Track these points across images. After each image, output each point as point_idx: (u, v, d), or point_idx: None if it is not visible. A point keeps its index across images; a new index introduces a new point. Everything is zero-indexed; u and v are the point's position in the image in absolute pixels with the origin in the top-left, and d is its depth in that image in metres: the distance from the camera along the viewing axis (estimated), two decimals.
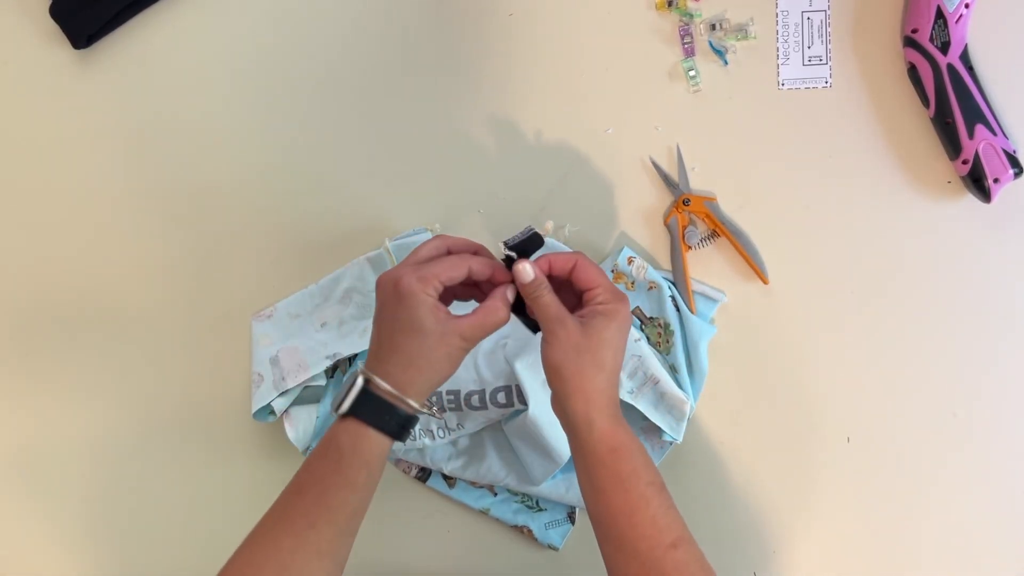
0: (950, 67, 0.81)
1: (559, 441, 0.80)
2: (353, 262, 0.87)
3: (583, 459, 0.66)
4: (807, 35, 0.85)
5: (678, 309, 0.85)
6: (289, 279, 0.88)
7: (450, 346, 0.66)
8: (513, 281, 0.69)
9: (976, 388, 0.86)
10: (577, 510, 0.87)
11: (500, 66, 0.87)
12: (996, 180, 0.82)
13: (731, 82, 0.86)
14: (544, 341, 0.67)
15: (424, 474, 0.88)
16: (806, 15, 0.85)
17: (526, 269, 0.68)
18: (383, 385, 0.65)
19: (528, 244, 0.70)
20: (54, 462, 0.89)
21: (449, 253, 0.70)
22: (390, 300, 0.67)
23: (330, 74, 0.88)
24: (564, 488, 0.85)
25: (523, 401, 0.81)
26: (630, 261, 0.85)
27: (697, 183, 0.86)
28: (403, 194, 0.88)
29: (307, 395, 0.84)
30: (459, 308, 0.70)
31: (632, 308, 0.86)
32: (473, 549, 0.88)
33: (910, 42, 0.82)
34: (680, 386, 0.84)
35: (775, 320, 0.86)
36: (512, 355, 0.82)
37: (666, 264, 0.87)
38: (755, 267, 0.85)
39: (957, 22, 0.81)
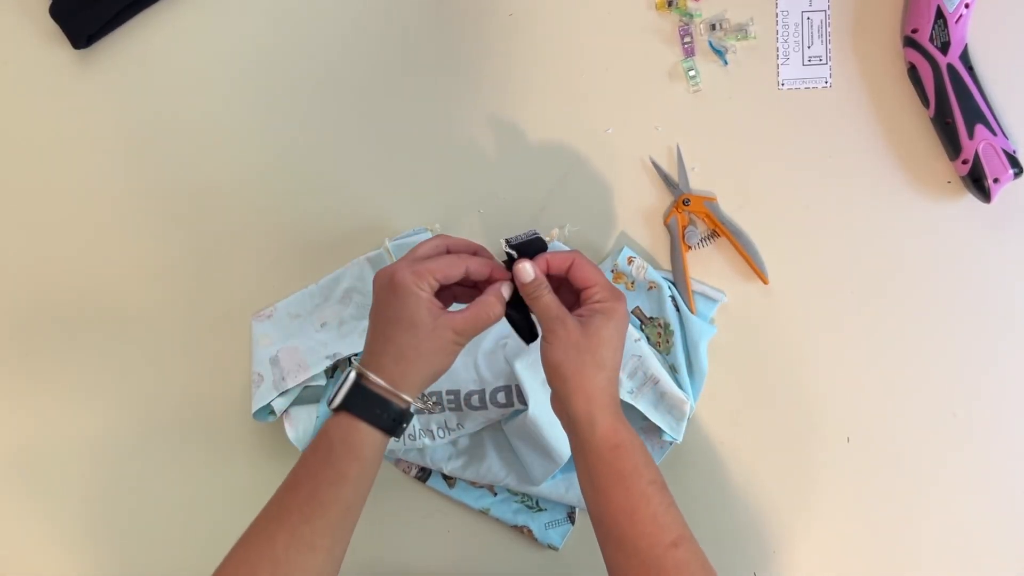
0: (950, 67, 0.81)
1: (559, 441, 0.80)
2: (353, 262, 0.87)
3: (584, 457, 0.66)
4: (807, 35, 0.85)
5: (678, 309, 0.85)
6: (289, 279, 0.88)
7: (442, 340, 0.66)
8: (512, 280, 0.69)
9: (976, 388, 0.86)
10: (577, 510, 0.87)
11: (500, 66, 0.87)
12: (996, 180, 0.82)
13: (731, 82, 0.86)
14: (544, 340, 0.68)
15: (424, 474, 0.88)
16: (806, 15, 0.85)
17: (526, 268, 0.68)
18: (375, 379, 0.66)
19: (530, 246, 0.70)
20: (54, 462, 0.89)
21: (448, 253, 0.70)
22: (384, 294, 0.67)
23: (330, 74, 0.88)
24: (564, 488, 0.85)
25: (523, 401, 0.81)
26: (630, 261, 0.85)
27: (697, 183, 0.86)
28: (403, 194, 0.88)
29: (307, 395, 0.84)
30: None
31: (632, 308, 0.86)
32: (473, 549, 0.88)
33: (910, 42, 0.82)
34: (680, 386, 0.84)
35: (775, 320, 0.86)
36: (512, 355, 0.82)
37: (666, 264, 0.87)
38: (755, 267, 0.85)
39: (957, 22, 0.81)
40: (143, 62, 0.88)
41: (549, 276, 0.69)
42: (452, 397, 0.83)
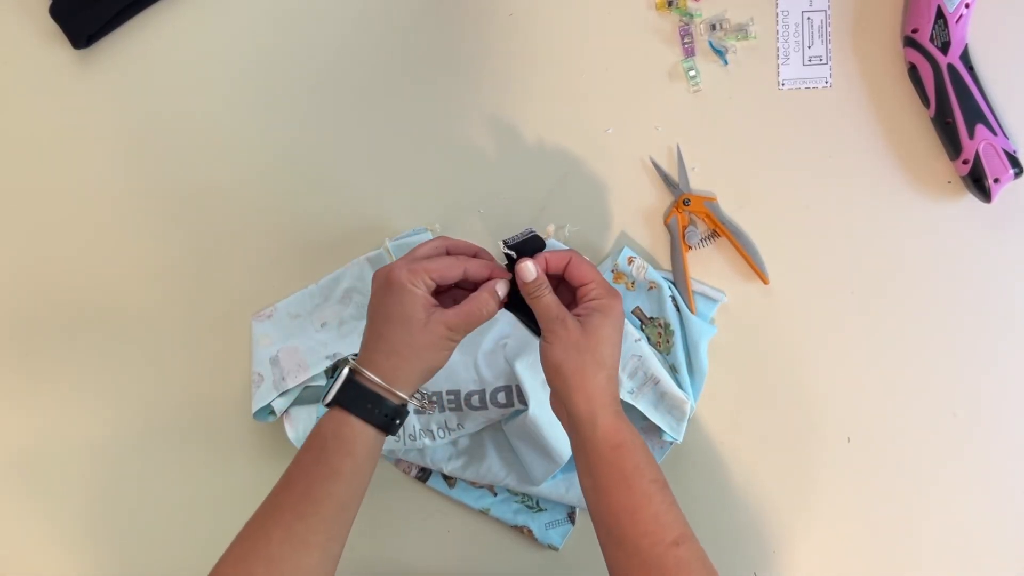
0: (950, 67, 0.81)
1: (559, 441, 0.80)
2: (353, 262, 0.87)
3: (586, 457, 0.66)
4: (807, 35, 0.85)
5: (678, 309, 0.85)
6: (289, 279, 0.88)
7: (435, 335, 0.66)
8: (512, 279, 0.69)
9: (976, 388, 0.86)
10: (577, 510, 0.87)
11: (500, 66, 0.87)
12: (996, 180, 0.82)
13: (731, 82, 0.86)
14: (544, 340, 0.68)
15: (424, 474, 0.88)
16: (806, 15, 0.85)
17: (528, 268, 0.68)
18: (367, 374, 0.66)
19: (528, 245, 0.70)
20: (54, 462, 0.89)
21: (448, 254, 0.70)
22: (380, 291, 0.68)
23: (330, 74, 0.88)
24: (564, 488, 0.85)
25: (523, 401, 0.81)
26: (630, 261, 0.85)
27: (697, 183, 0.86)
28: (403, 194, 0.88)
29: (307, 395, 0.84)
30: None
31: (632, 308, 0.86)
32: (473, 549, 0.88)
33: (910, 42, 0.82)
34: (680, 386, 0.84)
35: (775, 320, 0.86)
36: (512, 355, 0.82)
37: (666, 264, 0.87)
38: (755, 267, 0.85)
39: (957, 22, 0.81)
40: (143, 62, 0.88)
41: (547, 275, 0.69)
42: (452, 397, 0.83)
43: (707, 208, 0.85)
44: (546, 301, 0.68)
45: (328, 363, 0.82)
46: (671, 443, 0.84)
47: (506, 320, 0.84)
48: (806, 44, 0.85)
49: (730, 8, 0.85)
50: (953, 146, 0.83)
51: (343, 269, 0.87)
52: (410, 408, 0.69)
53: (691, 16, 0.85)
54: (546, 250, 0.71)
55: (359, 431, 0.66)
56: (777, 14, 0.86)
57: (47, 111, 0.88)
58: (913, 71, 0.83)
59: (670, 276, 0.86)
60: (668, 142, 0.86)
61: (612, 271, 0.86)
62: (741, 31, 0.85)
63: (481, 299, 0.68)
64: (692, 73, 0.86)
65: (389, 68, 0.87)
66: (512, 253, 0.70)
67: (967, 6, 0.81)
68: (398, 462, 0.88)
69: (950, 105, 0.82)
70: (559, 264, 0.70)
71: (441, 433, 0.84)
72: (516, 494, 0.87)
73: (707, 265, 0.86)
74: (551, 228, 0.83)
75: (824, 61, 0.85)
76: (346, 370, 0.67)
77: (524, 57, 0.87)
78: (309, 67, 0.88)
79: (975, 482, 0.86)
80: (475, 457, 0.86)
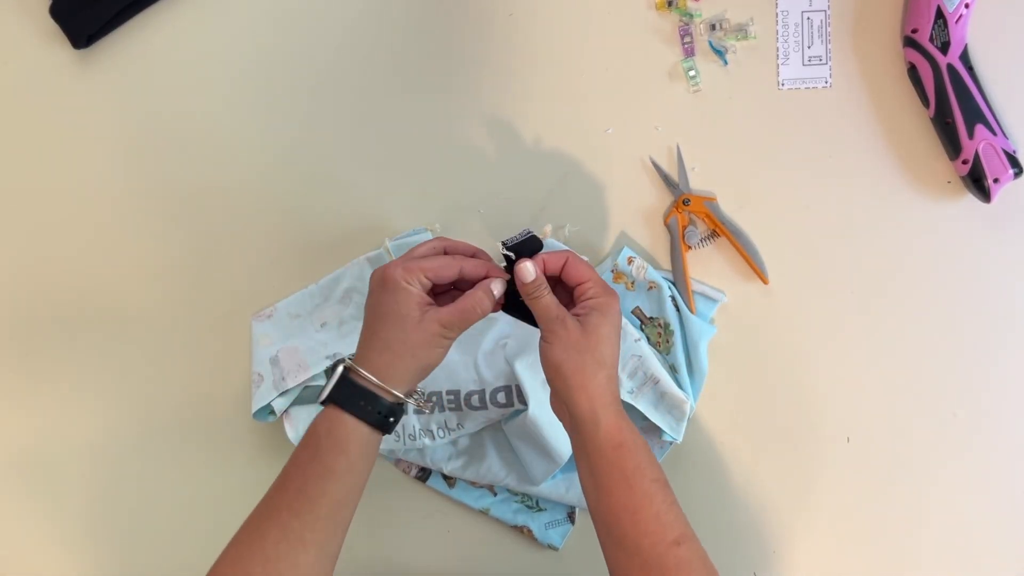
0: (950, 67, 0.81)
1: (559, 441, 0.80)
2: (353, 262, 0.87)
3: (587, 456, 0.66)
4: (807, 35, 0.85)
5: (678, 309, 0.85)
6: (289, 279, 0.88)
7: (427, 332, 0.66)
8: (505, 278, 0.69)
9: (976, 388, 0.86)
10: (577, 510, 0.87)
11: (500, 66, 0.87)
12: (996, 180, 0.82)
13: (731, 82, 0.86)
14: (543, 340, 0.68)
15: (424, 474, 0.88)
16: (806, 15, 0.85)
17: (527, 268, 0.68)
18: (361, 372, 0.66)
19: (526, 246, 0.70)
20: (54, 462, 0.89)
21: (446, 254, 0.71)
22: (376, 290, 0.68)
23: (330, 74, 0.88)
24: (564, 488, 0.85)
25: (523, 401, 0.81)
26: (630, 261, 0.85)
27: (697, 183, 0.86)
28: (403, 194, 0.88)
29: (307, 395, 0.84)
30: None
31: (632, 308, 0.86)
32: (473, 549, 0.88)
33: (910, 42, 0.82)
34: (680, 386, 0.84)
35: (775, 320, 0.86)
36: (512, 355, 0.82)
37: (666, 264, 0.87)
38: (755, 267, 0.85)
39: (957, 22, 0.81)
40: (143, 62, 0.88)
41: (545, 276, 0.70)
42: (452, 397, 0.83)
43: (707, 208, 0.85)
44: (545, 302, 0.68)
45: (328, 363, 0.82)
46: (671, 443, 0.84)
47: (506, 320, 0.84)
48: (806, 44, 0.85)
49: (730, 8, 0.85)
50: (953, 146, 0.83)
51: (343, 269, 0.87)
52: (409, 408, 0.69)
53: (691, 16, 0.85)
54: (544, 251, 0.71)
55: (352, 428, 0.66)
56: (777, 14, 0.86)
57: (47, 111, 0.88)
58: (913, 71, 0.83)
59: (670, 276, 0.86)
60: (668, 142, 0.86)
61: (612, 271, 0.86)
62: (741, 31, 0.85)
63: (476, 297, 0.68)
64: (692, 73, 0.86)
65: (389, 68, 0.87)
66: (511, 254, 0.70)
67: (967, 6, 0.81)
68: (398, 462, 0.88)
69: (950, 105, 0.82)
70: (556, 264, 0.70)
71: (441, 433, 0.84)
72: (516, 494, 0.87)
73: (707, 265, 0.86)
74: (548, 228, 0.83)
75: (824, 61, 0.85)
76: (340, 368, 0.67)
77: (524, 57, 0.87)
78: (309, 67, 0.88)
79: (975, 482, 0.86)
80: (475, 457, 0.86)
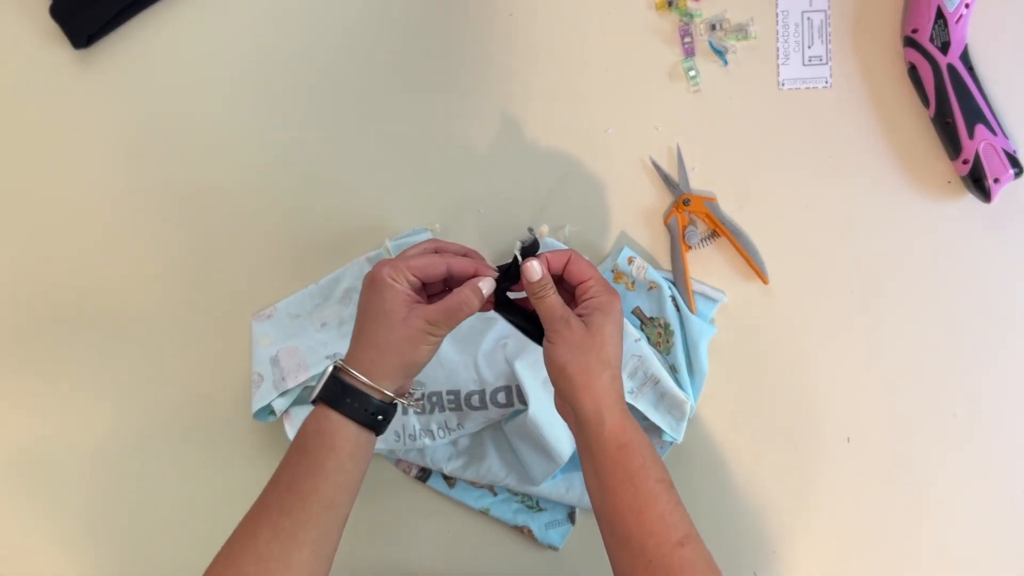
0: (950, 67, 0.81)
1: (559, 441, 0.80)
2: (353, 262, 0.87)
3: (592, 456, 0.66)
4: (807, 35, 0.85)
5: (678, 309, 0.85)
6: (289, 279, 0.88)
7: (412, 329, 0.66)
8: (494, 277, 0.69)
9: (976, 388, 0.86)
10: (577, 510, 0.87)
11: (500, 66, 0.87)
12: (996, 180, 0.82)
13: (731, 82, 0.86)
14: (547, 340, 0.68)
15: (424, 474, 0.88)
16: (806, 15, 0.85)
17: (534, 267, 0.68)
18: (348, 370, 0.66)
19: (528, 248, 0.70)
20: (54, 462, 0.89)
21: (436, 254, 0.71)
22: (365, 290, 0.68)
23: (330, 74, 0.88)
24: (564, 488, 0.85)
25: (523, 401, 0.81)
26: (630, 261, 0.85)
27: (697, 183, 0.86)
28: (403, 194, 0.88)
29: (307, 395, 0.84)
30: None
31: (632, 308, 0.86)
32: (473, 549, 0.88)
33: (910, 42, 0.82)
34: (680, 386, 0.84)
35: (775, 320, 0.86)
36: (512, 355, 0.82)
37: (666, 264, 0.87)
38: (755, 267, 0.85)
39: (957, 22, 0.81)
40: (143, 62, 0.88)
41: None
42: (452, 397, 0.83)
43: (707, 208, 0.85)
44: (550, 301, 0.68)
45: (328, 363, 0.82)
46: (671, 443, 0.84)
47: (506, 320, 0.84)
48: (806, 44, 0.85)
49: (730, 8, 0.85)
50: (953, 146, 0.83)
51: (343, 269, 0.87)
52: (409, 409, 0.69)
53: (691, 16, 0.85)
54: (548, 251, 0.71)
55: (339, 425, 0.66)
56: (777, 14, 0.86)
57: (47, 111, 0.88)
58: (913, 71, 0.83)
59: (670, 276, 0.86)
60: (668, 142, 0.86)
61: (612, 271, 0.86)
62: (741, 31, 0.85)
63: (463, 295, 0.68)
64: (692, 73, 0.86)
65: (389, 68, 0.87)
66: (518, 255, 0.69)
67: (967, 6, 0.81)
68: (398, 462, 0.88)
69: (950, 105, 0.82)
70: (559, 263, 0.70)
71: (441, 433, 0.84)
72: (516, 494, 0.87)
73: (707, 265, 0.86)
74: (544, 228, 0.83)
75: (824, 61, 0.85)
76: (330, 367, 0.67)
77: (524, 57, 0.87)
78: (309, 67, 0.88)
79: (975, 482, 0.86)
80: (475, 457, 0.86)
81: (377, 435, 0.68)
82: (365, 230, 0.87)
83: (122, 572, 0.89)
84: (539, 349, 0.70)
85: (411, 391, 0.71)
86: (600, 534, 0.67)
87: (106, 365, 0.89)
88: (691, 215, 0.86)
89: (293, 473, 0.66)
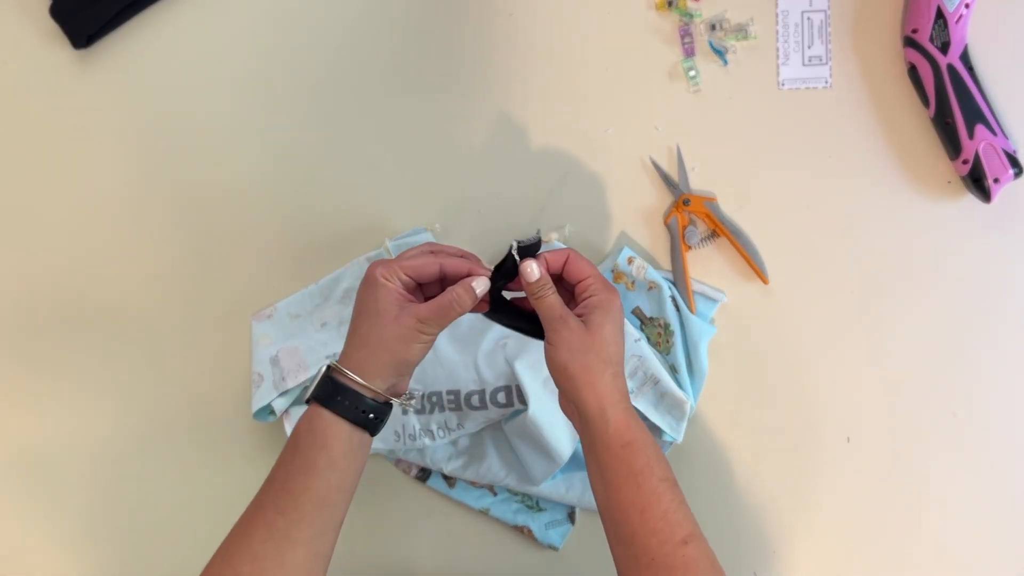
0: (950, 67, 0.81)
1: (559, 441, 0.80)
2: (353, 262, 0.87)
3: (596, 454, 0.66)
4: (807, 35, 0.85)
5: (678, 309, 0.85)
6: (289, 279, 0.88)
7: (403, 327, 0.66)
8: (492, 277, 0.69)
9: (976, 388, 0.86)
10: (577, 510, 0.87)
11: (500, 66, 0.87)
12: (996, 180, 0.82)
13: (731, 82, 0.86)
14: (547, 341, 0.68)
15: (424, 474, 0.88)
16: (806, 15, 0.85)
17: (532, 268, 0.68)
18: (340, 369, 0.67)
19: (532, 248, 0.70)
20: (54, 462, 0.89)
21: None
22: (359, 290, 0.69)
23: (330, 74, 0.88)
24: (564, 488, 0.85)
25: (523, 401, 0.81)
26: (630, 261, 0.85)
27: (697, 183, 0.86)
28: (403, 194, 0.88)
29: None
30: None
31: (632, 308, 0.86)
32: (473, 549, 0.88)
33: (910, 42, 0.82)
34: (680, 386, 0.84)
35: (775, 320, 0.86)
36: (512, 355, 0.82)
37: (666, 264, 0.87)
38: (755, 267, 0.85)
39: (957, 22, 0.81)
40: (143, 62, 0.88)
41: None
42: (452, 397, 0.83)
43: (707, 208, 0.85)
44: (549, 301, 0.68)
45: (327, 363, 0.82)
46: (671, 443, 0.84)
47: None
48: (806, 44, 0.85)
49: (730, 8, 0.85)
50: (953, 146, 0.83)
51: (343, 269, 0.87)
52: (409, 409, 0.69)
53: (691, 16, 0.85)
54: (546, 250, 0.71)
55: (330, 424, 0.66)
56: (777, 14, 0.86)
57: (47, 111, 0.88)
58: (913, 71, 0.83)
59: (670, 276, 0.86)
60: (668, 142, 0.86)
61: (612, 271, 0.86)
62: (741, 31, 0.85)
63: (455, 293, 0.68)
64: (692, 73, 0.86)
65: (389, 68, 0.87)
66: (516, 255, 0.69)
67: (967, 6, 0.81)
68: (398, 462, 0.88)
69: (950, 105, 0.82)
70: (558, 263, 0.70)
71: (441, 433, 0.84)
72: (516, 494, 0.87)
73: (707, 265, 0.86)
74: (553, 235, 0.83)
75: (824, 61, 0.85)
76: (323, 366, 0.68)
77: (524, 57, 0.87)
78: (309, 67, 0.88)
79: (975, 482, 0.86)
80: (475, 457, 0.86)
81: (372, 435, 0.68)
82: (365, 230, 0.87)
83: (122, 572, 0.89)
84: (539, 349, 0.70)
85: (410, 392, 0.71)
86: (603, 533, 0.67)
87: (106, 365, 0.89)
88: (691, 215, 0.86)
89: (287, 472, 0.66)
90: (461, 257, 0.71)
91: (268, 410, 0.83)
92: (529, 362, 0.81)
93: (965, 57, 0.82)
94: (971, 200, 0.85)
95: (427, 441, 0.84)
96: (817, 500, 0.87)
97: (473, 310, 0.69)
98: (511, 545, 0.88)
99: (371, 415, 0.67)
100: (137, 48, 0.88)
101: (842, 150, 0.86)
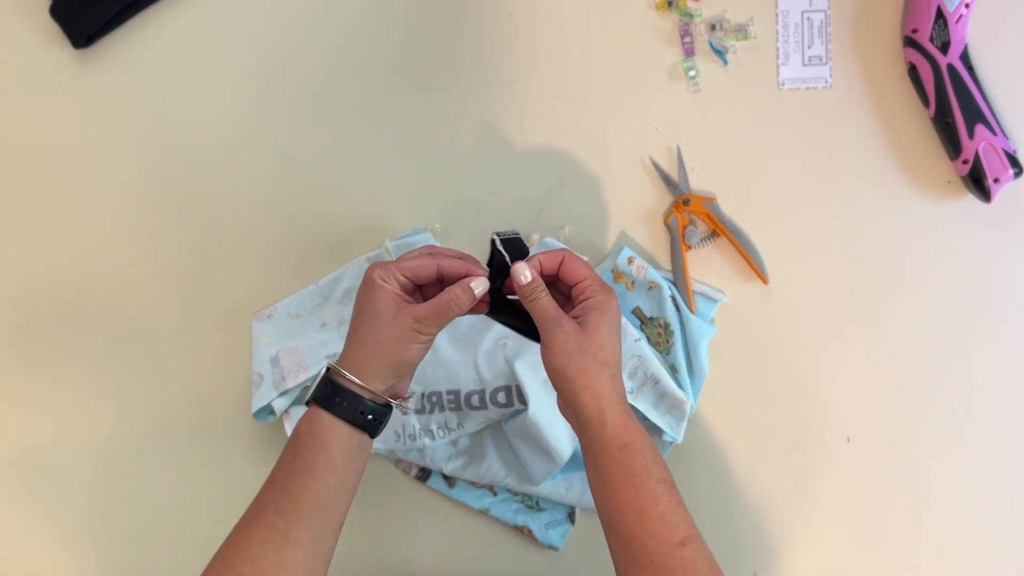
0: (950, 67, 0.81)
1: (559, 441, 0.80)
2: (353, 262, 0.87)
3: (594, 456, 0.66)
4: (807, 35, 0.85)
5: (678, 309, 0.85)
6: (289, 279, 0.88)
7: (401, 327, 0.66)
8: (487, 276, 0.69)
9: (976, 388, 0.86)
10: (577, 510, 0.87)
11: (500, 66, 0.87)
12: (996, 180, 0.82)
13: (731, 82, 0.86)
14: (542, 344, 0.67)
15: (424, 474, 0.88)
16: (806, 15, 0.85)
17: (523, 271, 0.68)
18: (339, 370, 0.67)
19: (515, 247, 0.69)
20: (54, 462, 0.89)
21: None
22: (358, 292, 0.69)
23: (330, 74, 0.88)
24: (564, 488, 0.85)
25: (523, 401, 0.81)
26: (630, 261, 0.85)
27: (697, 183, 0.86)
28: (403, 194, 0.88)
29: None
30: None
31: (632, 308, 0.86)
32: (473, 549, 0.88)
33: (910, 42, 0.82)
34: (680, 386, 0.84)
35: (775, 320, 0.86)
36: (512, 355, 0.82)
37: (666, 264, 0.87)
38: (755, 267, 0.85)
39: (957, 22, 0.81)
40: (143, 62, 0.88)
41: (542, 276, 0.69)
42: (452, 397, 0.83)
43: (707, 208, 0.85)
44: (543, 304, 0.68)
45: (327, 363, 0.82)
46: (671, 443, 0.84)
47: None
48: (806, 44, 0.85)
49: (730, 8, 0.85)
50: (953, 146, 0.83)
51: (343, 269, 0.87)
52: (407, 410, 0.69)
53: (691, 16, 0.85)
54: (541, 252, 0.70)
55: (330, 425, 0.66)
56: (777, 14, 0.86)
57: (47, 111, 0.88)
58: (913, 71, 0.83)
59: (670, 276, 0.86)
60: (668, 142, 0.86)
61: (612, 271, 0.86)
62: (741, 31, 0.85)
63: (453, 293, 0.68)
64: (692, 73, 0.86)
65: (389, 68, 0.87)
66: (501, 249, 0.69)
67: (967, 6, 0.81)
68: (398, 462, 0.88)
69: (950, 105, 0.82)
70: (553, 264, 0.69)
71: (441, 433, 0.84)
72: (516, 494, 0.87)
73: (707, 265, 0.86)
74: (535, 238, 0.82)
75: (824, 61, 0.85)
76: (324, 367, 0.68)
77: (524, 57, 0.87)
78: (309, 67, 0.88)
79: (975, 482, 0.86)
80: (475, 457, 0.86)
81: (372, 436, 0.68)
82: (365, 230, 0.87)
83: (122, 572, 0.89)
84: (539, 349, 0.70)
85: (409, 393, 0.70)
86: (602, 534, 0.67)
87: (106, 365, 0.89)
88: (691, 215, 0.86)
89: (287, 472, 0.66)
90: (459, 259, 0.71)
91: (268, 410, 0.83)
92: (529, 362, 0.81)
93: (965, 57, 0.82)
94: (971, 200, 0.85)
95: (427, 441, 0.84)
96: (817, 500, 0.87)
97: (473, 311, 0.69)
98: (511, 545, 0.88)
99: (370, 416, 0.67)
100: (137, 48, 0.88)
101: (842, 150, 0.86)
